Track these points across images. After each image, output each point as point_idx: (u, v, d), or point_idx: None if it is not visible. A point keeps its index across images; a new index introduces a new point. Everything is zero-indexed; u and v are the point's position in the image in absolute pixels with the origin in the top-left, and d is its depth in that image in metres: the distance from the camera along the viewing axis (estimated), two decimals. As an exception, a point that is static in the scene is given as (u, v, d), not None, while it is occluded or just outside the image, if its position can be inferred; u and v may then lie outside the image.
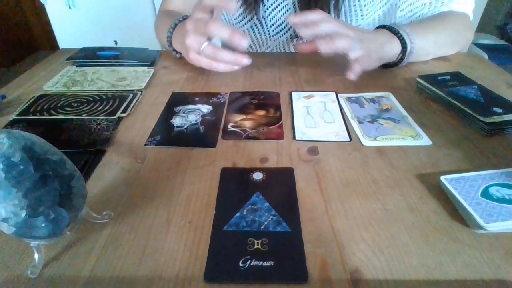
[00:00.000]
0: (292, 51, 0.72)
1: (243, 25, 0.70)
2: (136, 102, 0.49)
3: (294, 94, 0.51)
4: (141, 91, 0.52)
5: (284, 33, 0.69)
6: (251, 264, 0.26)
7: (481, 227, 0.28)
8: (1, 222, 0.23)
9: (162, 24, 0.64)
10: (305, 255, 0.26)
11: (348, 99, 0.49)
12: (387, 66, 0.58)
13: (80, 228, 0.29)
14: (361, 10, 0.63)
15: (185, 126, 0.43)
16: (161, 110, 0.47)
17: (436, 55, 0.62)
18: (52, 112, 0.46)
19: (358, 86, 0.51)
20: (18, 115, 0.45)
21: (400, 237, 0.28)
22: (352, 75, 0.50)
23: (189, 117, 0.45)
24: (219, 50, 0.49)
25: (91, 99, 0.49)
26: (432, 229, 0.29)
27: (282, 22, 0.67)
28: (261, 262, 0.26)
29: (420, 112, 0.46)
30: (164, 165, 0.37)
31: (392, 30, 0.55)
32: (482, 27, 1.84)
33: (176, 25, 0.59)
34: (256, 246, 0.27)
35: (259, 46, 0.73)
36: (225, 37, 0.46)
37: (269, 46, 0.73)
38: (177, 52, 0.61)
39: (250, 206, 0.31)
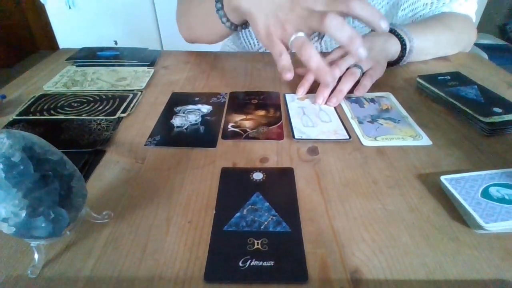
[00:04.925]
0: (293, 51, 0.72)
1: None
2: (136, 102, 0.49)
3: (288, 96, 0.50)
4: (141, 91, 0.52)
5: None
6: (251, 264, 0.26)
7: (481, 227, 0.28)
8: (1, 222, 0.23)
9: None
10: (305, 255, 0.26)
11: (348, 99, 0.49)
12: (387, 65, 0.58)
13: (80, 228, 0.29)
14: None
15: (185, 126, 0.43)
16: (161, 110, 0.47)
17: (436, 55, 0.62)
18: (52, 112, 0.46)
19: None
20: (18, 115, 0.45)
21: (400, 237, 0.28)
22: (358, 93, 0.49)
23: (189, 117, 0.45)
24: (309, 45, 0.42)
25: (91, 99, 0.49)
26: (432, 229, 0.29)
27: None
28: (261, 262, 0.26)
29: (420, 112, 0.46)
30: (164, 165, 0.37)
31: (389, 29, 0.55)
32: (482, 27, 1.84)
33: None
34: (256, 246, 0.27)
35: (259, 48, 0.73)
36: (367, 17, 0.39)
37: None
38: (228, 19, 0.53)
39: (250, 206, 0.31)
